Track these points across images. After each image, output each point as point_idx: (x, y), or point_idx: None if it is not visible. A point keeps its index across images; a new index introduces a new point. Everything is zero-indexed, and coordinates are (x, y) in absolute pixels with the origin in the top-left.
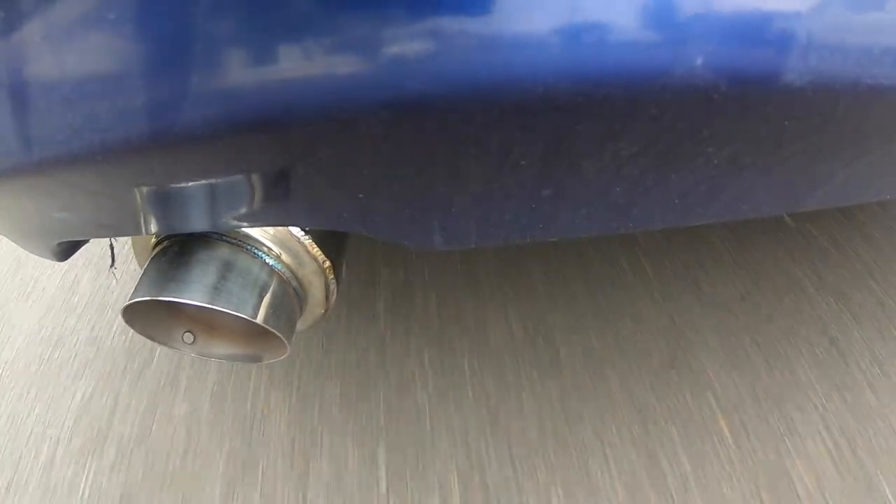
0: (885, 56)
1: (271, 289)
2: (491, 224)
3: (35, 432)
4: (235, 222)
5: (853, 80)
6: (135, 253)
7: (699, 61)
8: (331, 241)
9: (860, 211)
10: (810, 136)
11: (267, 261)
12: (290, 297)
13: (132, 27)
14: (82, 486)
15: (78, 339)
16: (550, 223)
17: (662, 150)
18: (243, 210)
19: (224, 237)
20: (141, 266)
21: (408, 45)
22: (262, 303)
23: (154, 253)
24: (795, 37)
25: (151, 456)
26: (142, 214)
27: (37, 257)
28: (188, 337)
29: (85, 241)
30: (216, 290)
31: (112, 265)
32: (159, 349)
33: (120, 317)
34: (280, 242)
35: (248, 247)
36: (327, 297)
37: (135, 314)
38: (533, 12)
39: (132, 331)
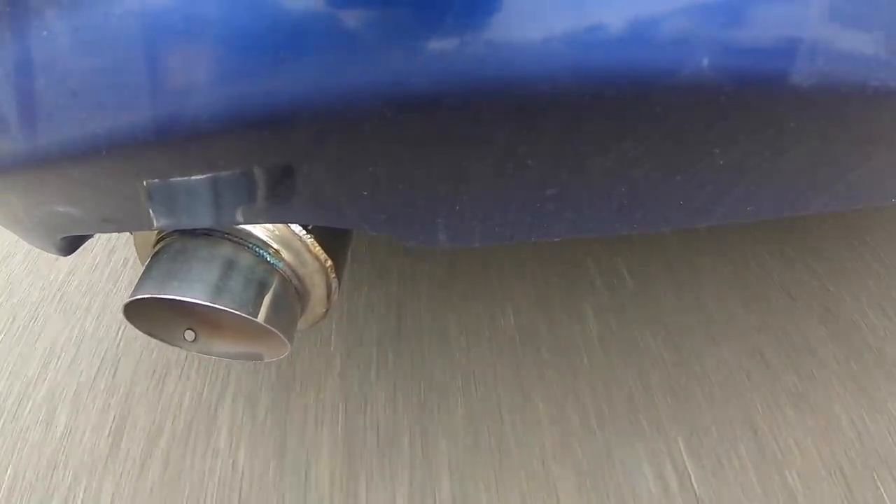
0: (893, 58)
1: (273, 287)
2: (496, 223)
3: None
4: (239, 218)
5: (860, 83)
6: (136, 249)
7: (705, 62)
8: (333, 240)
9: None
10: (816, 139)
11: (269, 259)
12: (291, 295)
13: (138, 21)
14: None
15: None
16: (555, 223)
17: (668, 150)
18: (247, 206)
19: (226, 235)
20: (143, 263)
21: (414, 43)
22: (264, 301)
23: (156, 250)
24: (802, 38)
25: None
26: (145, 209)
27: None
28: (189, 335)
29: (89, 236)
30: (218, 289)
31: None
32: None
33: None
34: (282, 241)
35: (251, 245)
36: (329, 296)
37: (136, 311)
38: (540, 11)
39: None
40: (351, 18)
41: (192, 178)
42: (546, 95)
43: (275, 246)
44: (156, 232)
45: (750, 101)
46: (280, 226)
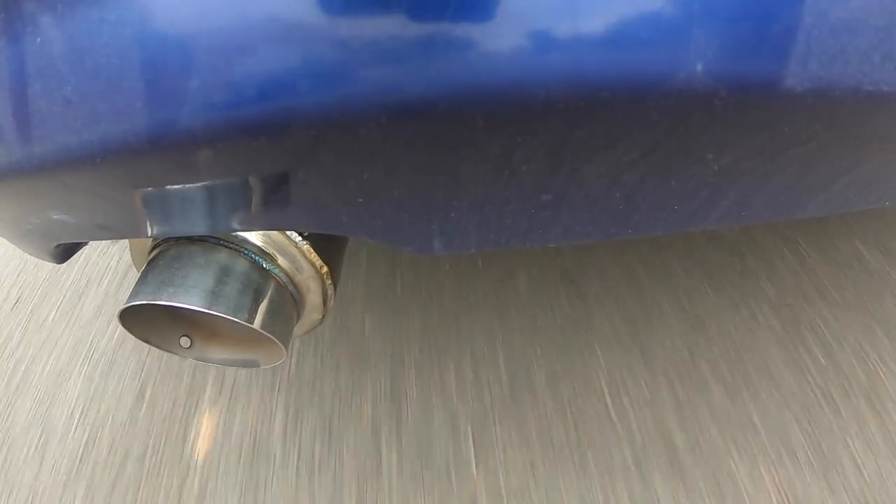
0: (886, 62)
1: (268, 294)
2: (491, 229)
3: None
4: (235, 225)
5: (854, 87)
6: (132, 256)
7: (699, 67)
8: (329, 246)
9: None
10: (811, 143)
11: (264, 266)
12: (287, 302)
13: (132, 29)
14: None
15: None
16: (550, 228)
17: (663, 155)
18: (243, 213)
19: (222, 241)
20: (138, 269)
21: (408, 49)
22: (260, 308)
23: (151, 256)
24: (796, 43)
25: None
26: (141, 217)
27: None
28: (185, 341)
29: (84, 244)
30: (213, 295)
31: None
32: None
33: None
34: (278, 247)
35: (246, 251)
36: (325, 303)
37: (132, 318)
38: (534, 17)
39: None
40: (345, 25)
41: (187, 186)
42: (540, 101)
43: (270, 252)
44: (151, 238)
45: (744, 105)
46: (275, 232)
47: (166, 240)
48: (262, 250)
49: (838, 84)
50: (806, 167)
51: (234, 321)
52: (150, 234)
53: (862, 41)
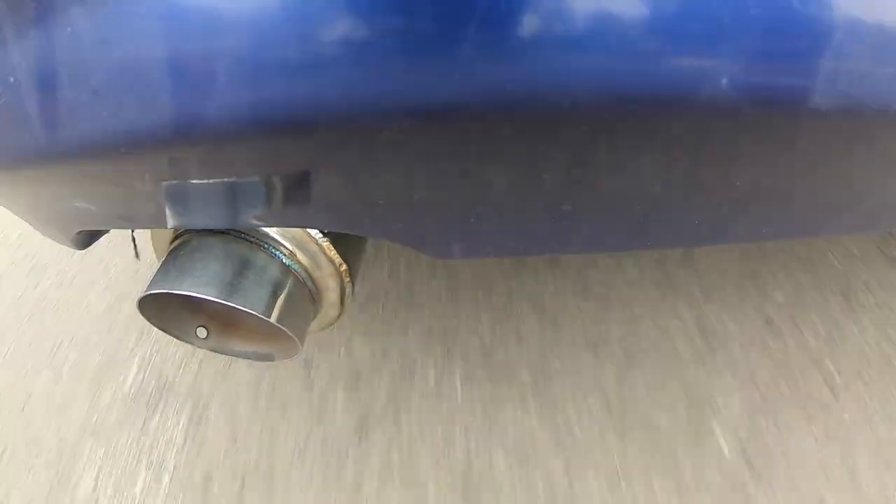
0: None
1: (286, 288)
2: (509, 236)
3: None
4: (256, 221)
5: (881, 105)
6: (153, 245)
7: (724, 81)
8: (348, 244)
9: None
10: (836, 161)
11: (284, 261)
12: (304, 297)
13: (162, 22)
14: None
15: None
16: (569, 239)
17: (685, 169)
18: (264, 209)
19: (242, 235)
20: (159, 259)
21: (432, 55)
22: (277, 302)
23: (172, 246)
24: (822, 60)
25: None
26: (163, 208)
27: None
28: (202, 332)
29: (105, 231)
30: (232, 287)
31: (137, 256)
32: None
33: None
34: (298, 243)
35: (266, 246)
36: (342, 300)
37: (150, 306)
38: (560, 26)
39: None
40: (371, 29)
41: (211, 181)
42: (566, 109)
43: (290, 247)
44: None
45: (768, 121)
46: (296, 228)
47: (188, 230)
48: (283, 245)
49: (865, 102)
50: (830, 186)
51: (250, 314)
52: (170, 225)
53: (891, 60)
